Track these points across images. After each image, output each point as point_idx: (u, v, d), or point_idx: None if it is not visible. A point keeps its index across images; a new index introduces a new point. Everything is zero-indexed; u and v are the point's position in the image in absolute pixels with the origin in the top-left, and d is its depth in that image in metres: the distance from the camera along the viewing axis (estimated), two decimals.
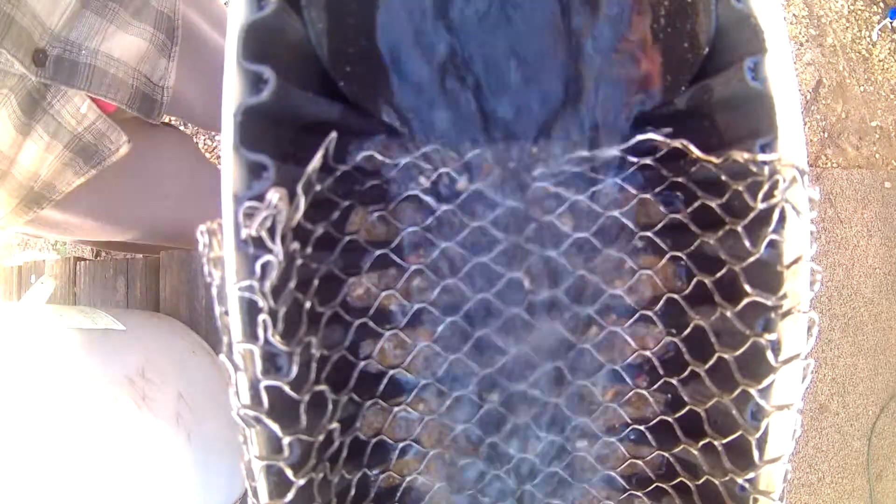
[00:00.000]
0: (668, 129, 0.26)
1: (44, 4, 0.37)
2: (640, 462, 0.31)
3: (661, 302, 0.29)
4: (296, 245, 0.21)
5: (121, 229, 0.60)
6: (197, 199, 0.61)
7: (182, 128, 1.06)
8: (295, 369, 0.22)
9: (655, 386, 0.30)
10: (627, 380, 0.30)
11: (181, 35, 0.50)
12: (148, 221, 0.61)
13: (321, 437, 0.25)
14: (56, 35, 0.39)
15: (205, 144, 1.24)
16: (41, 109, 0.41)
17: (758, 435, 0.23)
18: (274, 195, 0.19)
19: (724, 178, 0.24)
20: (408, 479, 0.31)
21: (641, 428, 0.30)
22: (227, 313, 0.21)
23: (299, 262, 0.23)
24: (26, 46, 0.37)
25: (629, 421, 0.31)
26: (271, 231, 0.20)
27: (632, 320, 0.30)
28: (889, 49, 1.45)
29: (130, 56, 0.45)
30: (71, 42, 0.40)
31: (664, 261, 0.29)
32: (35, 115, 0.41)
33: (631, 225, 0.29)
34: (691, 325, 0.27)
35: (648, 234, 0.29)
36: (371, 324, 0.29)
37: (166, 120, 0.66)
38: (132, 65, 0.45)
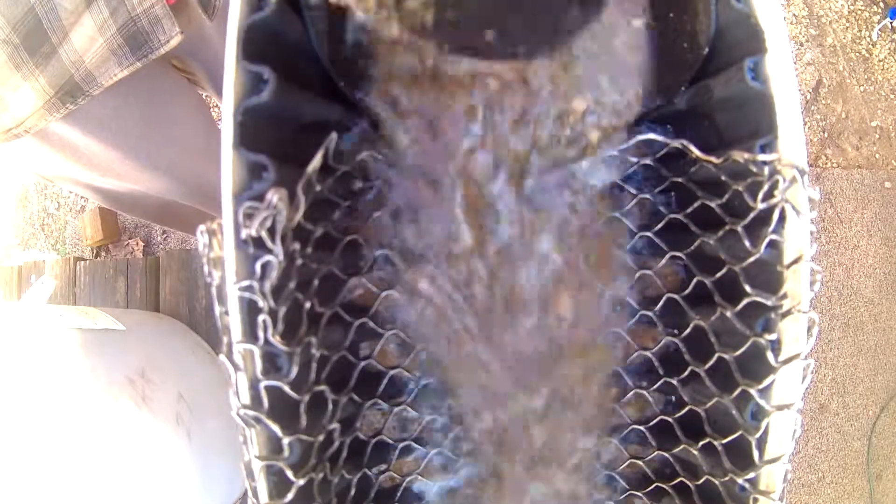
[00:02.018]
0: (672, 129, 0.26)
1: None
2: (640, 462, 0.31)
3: (661, 302, 0.29)
4: (296, 245, 0.21)
5: (140, 167, 0.59)
6: (213, 160, 0.61)
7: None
8: (295, 369, 0.22)
9: (655, 386, 0.30)
10: (627, 380, 0.30)
11: None
12: (166, 165, 0.61)
13: (321, 437, 0.25)
14: None
15: None
16: None
17: (758, 435, 0.23)
18: (274, 195, 0.19)
19: (724, 178, 0.24)
20: (408, 479, 0.31)
21: (641, 428, 0.30)
22: (227, 313, 0.21)
23: (299, 262, 0.23)
24: None
25: (629, 421, 0.31)
26: (271, 231, 0.20)
27: (632, 320, 0.30)
28: (889, 49, 1.45)
29: None
30: None
31: (664, 261, 0.29)
32: None
33: (631, 225, 0.29)
34: (691, 325, 0.27)
35: (648, 234, 0.29)
36: (371, 324, 0.29)
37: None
38: None
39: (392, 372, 0.30)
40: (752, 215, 0.22)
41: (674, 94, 0.27)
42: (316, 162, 0.21)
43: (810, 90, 1.38)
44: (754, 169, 0.22)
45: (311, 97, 0.25)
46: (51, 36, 0.41)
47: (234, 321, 0.21)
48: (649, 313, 0.29)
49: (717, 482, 0.26)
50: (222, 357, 0.21)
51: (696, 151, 0.24)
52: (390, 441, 0.31)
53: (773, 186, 0.21)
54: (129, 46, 0.45)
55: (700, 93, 0.26)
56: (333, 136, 0.22)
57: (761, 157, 0.21)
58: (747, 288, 0.23)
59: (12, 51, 0.39)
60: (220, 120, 1.21)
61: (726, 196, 0.24)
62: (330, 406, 0.25)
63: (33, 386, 0.40)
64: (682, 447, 0.28)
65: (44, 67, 0.43)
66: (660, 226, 0.29)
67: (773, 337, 0.22)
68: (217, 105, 1.20)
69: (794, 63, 1.37)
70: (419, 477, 0.31)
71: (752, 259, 0.23)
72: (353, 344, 0.29)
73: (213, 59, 0.61)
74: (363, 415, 0.30)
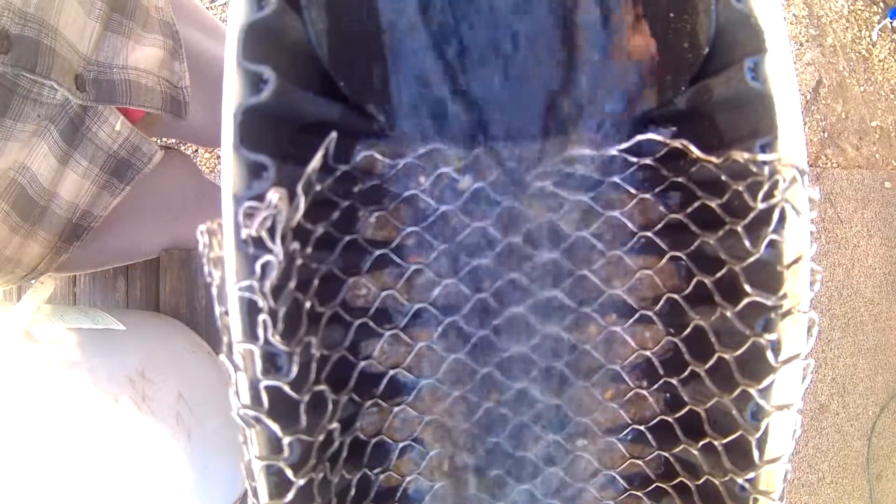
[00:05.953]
0: (673, 129, 0.26)
1: (73, 32, 0.39)
2: (640, 462, 0.31)
3: (661, 302, 0.29)
4: (296, 245, 0.21)
5: (142, 255, 0.64)
6: (206, 213, 0.63)
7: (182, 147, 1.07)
8: (295, 369, 0.22)
9: (655, 386, 0.30)
10: (627, 380, 0.30)
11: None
12: (165, 243, 0.65)
13: (321, 437, 0.25)
14: (88, 59, 0.41)
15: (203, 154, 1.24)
16: (80, 135, 0.42)
17: (758, 435, 0.23)
18: (274, 195, 0.19)
19: (724, 178, 0.24)
20: (408, 479, 0.31)
21: (641, 428, 0.30)
22: (227, 313, 0.21)
23: (299, 262, 0.23)
24: (69, 75, 0.39)
25: (629, 421, 0.31)
26: (271, 231, 0.20)
27: (632, 320, 0.30)
28: (889, 49, 1.45)
29: (152, 65, 0.47)
30: (101, 63, 0.42)
31: (664, 261, 0.29)
32: (75, 141, 0.42)
33: (631, 225, 0.29)
34: (691, 325, 0.27)
35: (648, 234, 0.29)
36: (371, 324, 0.29)
37: (164, 142, 0.68)
38: (155, 72, 0.47)
39: (392, 372, 0.30)
40: (752, 215, 0.22)
41: (674, 94, 0.27)
42: (316, 162, 0.21)
43: (810, 90, 1.38)
44: (754, 169, 0.22)
45: (311, 97, 0.25)
46: (38, 201, 0.42)
47: (234, 321, 0.21)
48: (649, 313, 0.29)
49: (717, 482, 0.26)
50: (222, 357, 0.21)
51: (696, 151, 0.24)
52: (390, 441, 0.31)
53: (773, 186, 0.21)
54: (117, 177, 0.47)
55: (700, 93, 0.26)
56: (333, 135, 0.22)
57: (761, 157, 0.21)
58: (747, 288, 0.23)
59: (4, 216, 0.40)
60: (216, 146, 1.21)
61: (726, 196, 0.24)
62: (330, 406, 0.25)
63: (33, 386, 0.40)
64: (682, 447, 0.28)
65: (40, 224, 0.44)
66: (660, 226, 0.29)
67: (773, 337, 0.22)
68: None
69: (794, 63, 1.38)
70: (419, 477, 0.31)
71: (752, 259, 0.23)
72: (353, 344, 0.29)
73: (191, 128, 0.61)
74: (363, 415, 0.30)
